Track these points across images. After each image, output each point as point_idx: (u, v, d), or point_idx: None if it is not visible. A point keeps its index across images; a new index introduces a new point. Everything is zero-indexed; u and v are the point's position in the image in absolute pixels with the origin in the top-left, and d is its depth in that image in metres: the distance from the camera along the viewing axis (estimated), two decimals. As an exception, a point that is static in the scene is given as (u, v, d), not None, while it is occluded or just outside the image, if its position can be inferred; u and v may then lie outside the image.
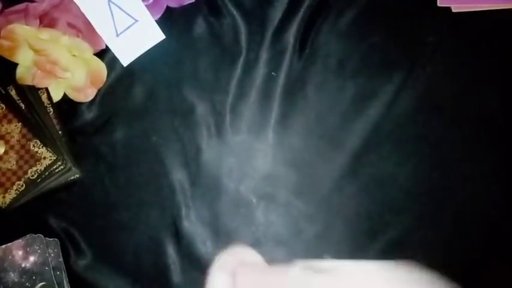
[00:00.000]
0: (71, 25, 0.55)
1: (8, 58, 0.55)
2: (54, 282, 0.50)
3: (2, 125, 0.54)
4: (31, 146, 0.53)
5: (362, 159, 0.53)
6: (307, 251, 0.51)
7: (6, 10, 0.56)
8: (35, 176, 0.53)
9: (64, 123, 0.55)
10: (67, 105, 0.56)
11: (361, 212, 0.52)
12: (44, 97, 0.55)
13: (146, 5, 0.55)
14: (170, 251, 0.53)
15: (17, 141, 0.53)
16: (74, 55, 0.55)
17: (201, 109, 0.55)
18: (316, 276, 0.32)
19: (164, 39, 0.56)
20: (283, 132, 0.55)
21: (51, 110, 0.55)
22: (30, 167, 0.53)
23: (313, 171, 0.54)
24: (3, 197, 0.52)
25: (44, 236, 0.51)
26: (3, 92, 0.55)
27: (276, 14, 0.56)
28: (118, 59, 0.56)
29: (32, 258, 0.50)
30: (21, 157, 0.53)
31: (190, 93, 0.56)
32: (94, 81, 0.56)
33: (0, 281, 0.49)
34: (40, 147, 0.53)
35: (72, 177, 0.54)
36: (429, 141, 0.54)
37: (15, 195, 0.52)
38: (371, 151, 0.53)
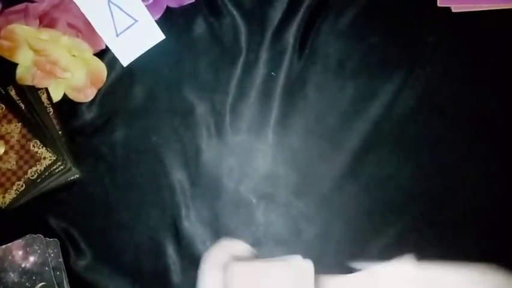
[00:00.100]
0: (71, 25, 0.55)
1: (8, 58, 0.55)
2: (54, 282, 0.50)
3: (2, 125, 0.54)
4: (31, 146, 0.53)
5: (362, 159, 0.53)
6: (307, 251, 0.51)
7: (6, 10, 0.56)
8: (35, 176, 0.53)
9: (64, 123, 0.55)
10: (66, 105, 0.56)
11: (361, 212, 0.52)
12: (44, 97, 0.55)
13: (146, 5, 0.55)
14: (170, 251, 0.53)
15: (17, 141, 0.53)
16: (74, 55, 0.55)
17: (201, 109, 0.55)
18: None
19: (164, 39, 0.56)
20: (283, 132, 0.55)
21: (51, 110, 0.55)
22: (30, 167, 0.53)
23: (313, 171, 0.54)
24: (3, 197, 0.52)
25: (44, 236, 0.51)
26: (3, 92, 0.55)
27: (276, 14, 0.56)
28: (117, 59, 0.56)
29: (32, 259, 0.50)
30: (21, 157, 0.53)
31: (190, 93, 0.56)
32: (94, 81, 0.56)
33: (0, 281, 0.49)
34: (40, 147, 0.53)
35: (72, 178, 0.54)
36: (429, 141, 0.54)
37: (15, 196, 0.52)
38: (371, 151, 0.53)
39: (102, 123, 0.56)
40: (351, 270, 0.45)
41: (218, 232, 0.53)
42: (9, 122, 0.54)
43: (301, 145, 0.54)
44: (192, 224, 0.53)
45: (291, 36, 0.56)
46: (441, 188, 0.52)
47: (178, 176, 0.54)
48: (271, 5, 0.56)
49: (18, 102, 0.55)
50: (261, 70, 0.56)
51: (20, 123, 0.54)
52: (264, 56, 0.56)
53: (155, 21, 0.56)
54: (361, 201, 0.52)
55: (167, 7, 0.57)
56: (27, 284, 0.50)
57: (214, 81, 0.56)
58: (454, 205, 0.52)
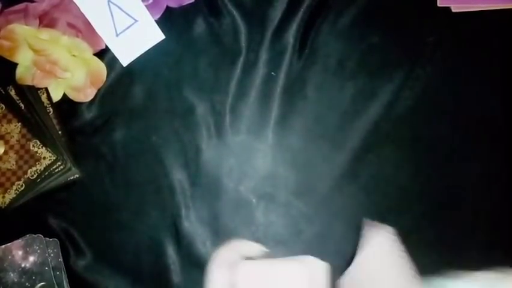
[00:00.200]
0: (70, 25, 0.55)
1: (8, 58, 0.55)
2: (54, 282, 0.50)
3: (2, 125, 0.54)
4: (31, 146, 0.53)
5: (362, 159, 0.53)
6: (307, 251, 0.51)
7: (6, 10, 0.56)
8: (35, 176, 0.53)
9: (64, 123, 0.55)
10: (66, 105, 0.56)
11: (361, 212, 0.52)
12: (43, 97, 0.55)
13: (146, 5, 0.55)
14: (170, 251, 0.53)
15: (17, 141, 0.53)
16: (73, 55, 0.55)
17: (201, 109, 0.55)
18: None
19: (164, 39, 0.56)
20: (283, 132, 0.55)
21: (51, 110, 0.55)
22: (30, 167, 0.53)
23: (313, 171, 0.54)
24: (3, 197, 0.52)
25: (44, 236, 0.51)
26: (3, 92, 0.55)
27: (276, 14, 0.56)
28: (117, 59, 0.56)
29: (31, 258, 0.50)
30: (20, 157, 0.53)
31: (190, 93, 0.56)
32: (94, 81, 0.56)
33: (0, 281, 0.49)
34: (40, 147, 0.53)
35: (72, 177, 0.54)
36: (429, 141, 0.54)
37: (14, 195, 0.52)
38: (371, 151, 0.53)
39: (102, 123, 0.56)
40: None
41: (218, 232, 0.53)
42: (9, 121, 0.54)
43: (301, 145, 0.54)
44: (192, 224, 0.53)
45: (291, 36, 0.55)
46: (441, 188, 0.52)
47: (178, 176, 0.54)
48: (271, 5, 0.56)
49: (18, 102, 0.55)
50: (260, 70, 0.55)
51: (19, 123, 0.54)
52: (264, 56, 0.56)
53: (155, 21, 0.56)
54: (361, 201, 0.52)
55: (167, 7, 0.57)
56: (27, 283, 0.50)
57: (214, 81, 0.56)
58: (454, 205, 0.52)
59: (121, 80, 0.57)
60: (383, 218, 0.52)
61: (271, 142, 0.54)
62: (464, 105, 0.54)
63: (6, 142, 0.53)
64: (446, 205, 0.52)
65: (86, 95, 0.56)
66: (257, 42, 0.56)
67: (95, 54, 0.56)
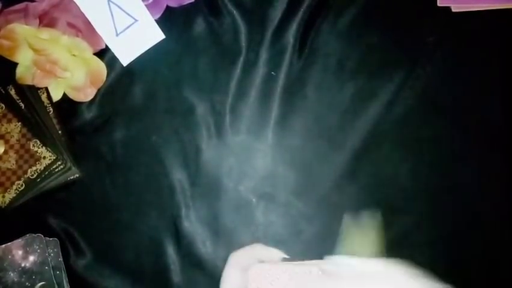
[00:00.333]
0: (70, 25, 0.55)
1: (8, 58, 0.55)
2: (54, 282, 0.50)
3: (2, 125, 0.54)
4: (31, 145, 0.53)
5: (362, 159, 0.53)
6: (307, 251, 0.51)
7: (5, 10, 0.56)
8: (35, 175, 0.53)
9: (64, 122, 0.55)
10: (66, 105, 0.56)
11: (361, 212, 0.52)
12: (43, 97, 0.55)
13: (146, 5, 0.55)
14: (170, 251, 0.53)
15: (17, 140, 0.53)
16: (73, 55, 0.55)
17: (201, 109, 0.55)
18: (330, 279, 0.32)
19: (164, 39, 0.56)
20: (282, 132, 0.55)
21: (51, 109, 0.55)
22: (30, 167, 0.53)
23: (313, 171, 0.54)
24: (3, 197, 0.52)
25: (44, 236, 0.51)
26: (3, 92, 0.55)
27: (276, 13, 0.56)
28: (117, 59, 0.56)
29: (31, 258, 0.50)
30: (20, 157, 0.53)
31: (189, 93, 0.56)
32: (94, 80, 0.56)
33: (0, 281, 0.49)
34: (40, 146, 0.53)
35: (72, 177, 0.54)
36: (429, 141, 0.54)
37: (14, 195, 0.52)
38: (371, 151, 0.53)
39: (102, 123, 0.56)
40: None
41: (218, 232, 0.53)
42: (9, 121, 0.54)
43: (301, 145, 0.54)
44: (192, 224, 0.53)
45: (291, 36, 0.55)
46: (441, 188, 0.52)
47: (178, 176, 0.54)
48: (271, 5, 0.56)
49: (18, 101, 0.55)
50: (260, 70, 0.55)
51: (19, 123, 0.54)
52: (264, 55, 0.56)
53: (155, 20, 0.56)
54: (361, 201, 0.52)
55: (167, 6, 0.57)
56: (27, 283, 0.50)
57: (214, 81, 0.56)
58: (454, 205, 0.52)
59: (121, 80, 0.57)
60: (382, 218, 0.52)
61: (271, 142, 0.54)
62: (464, 105, 0.54)
63: (6, 142, 0.53)
64: (446, 205, 0.52)
65: (86, 95, 0.56)
66: (257, 42, 0.56)
67: (95, 54, 0.56)
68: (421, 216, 0.52)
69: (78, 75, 0.55)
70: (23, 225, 0.52)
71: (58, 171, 0.53)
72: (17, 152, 0.53)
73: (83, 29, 0.55)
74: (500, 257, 0.50)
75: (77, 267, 0.53)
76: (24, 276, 0.50)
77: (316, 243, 0.52)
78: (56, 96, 0.56)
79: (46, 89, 0.56)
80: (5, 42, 0.54)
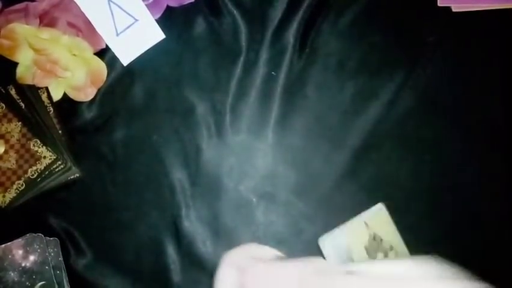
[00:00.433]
0: (71, 24, 0.55)
1: (8, 57, 0.55)
2: (54, 281, 0.50)
3: (2, 124, 0.54)
4: (31, 145, 0.53)
5: (362, 158, 0.53)
6: (308, 251, 0.51)
7: (6, 9, 0.56)
8: (35, 175, 0.53)
9: (64, 122, 0.55)
10: (67, 105, 0.56)
11: (361, 212, 0.52)
12: (44, 96, 0.55)
13: (146, 5, 0.55)
14: (170, 251, 0.53)
15: (17, 140, 0.53)
16: (74, 54, 0.55)
17: (201, 109, 0.55)
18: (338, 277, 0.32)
19: (164, 39, 0.56)
20: (283, 132, 0.55)
21: (52, 109, 0.55)
22: (30, 166, 0.53)
23: (314, 171, 0.54)
24: (3, 196, 0.52)
25: (44, 236, 0.51)
26: (3, 92, 0.55)
27: (276, 13, 0.56)
28: (118, 59, 0.56)
29: (32, 258, 0.50)
30: (21, 156, 0.53)
31: (190, 93, 0.56)
32: (94, 80, 0.56)
33: (0, 281, 0.49)
34: (40, 146, 0.53)
35: (72, 177, 0.54)
36: (429, 141, 0.54)
37: (15, 195, 0.52)
38: (371, 151, 0.53)
39: (102, 123, 0.56)
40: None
41: (218, 232, 0.53)
42: (10, 121, 0.54)
43: (301, 145, 0.54)
44: (192, 224, 0.53)
45: (291, 35, 0.56)
46: (441, 188, 0.52)
47: (178, 176, 0.54)
48: (271, 5, 0.56)
49: (18, 101, 0.55)
50: (261, 69, 0.56)
51: (20, 123, 0.54)
52: (264, 55, 0.56)
53: (156, 20, 0.56)
54: (361, 200, 0.52)
55: (168, 6, 0.57)
56: (27, 283, 0.50)
57: (214, 80, 0.56)
58: (454, 205, 0.52)
59: (122, 80, 0.57)
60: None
61: (272, 141, 0.54)
62: (464, 105, 0.54)
63: (7, 141, 0.53)
64: (446, 205, 0.52)
65: (86, 95, 0.56)
66: (257, 42, 0.56)
67: (95, 54, 0.56)
68: (421, 216, 0.52)
69: (78, 75, 0.55)
70: (24, 224, 0.52)
71: (58, 170, 0.53)
72: (17, 151, 0.53)
73: (84, 28, 0.55)
74: (500, 257, 0.50)
75: (77, 267, 0.53)
76: (24, 275, 0.50)
77: (317, 243, 0.52)
78: (57, 95, 0.56)
79: (46, 88, 0.56)
80: (6, 42, 0.54)
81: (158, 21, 0.56)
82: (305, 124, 0.55)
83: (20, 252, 0.50)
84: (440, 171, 0.53)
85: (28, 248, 0.51)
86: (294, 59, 0.56)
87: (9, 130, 0.54)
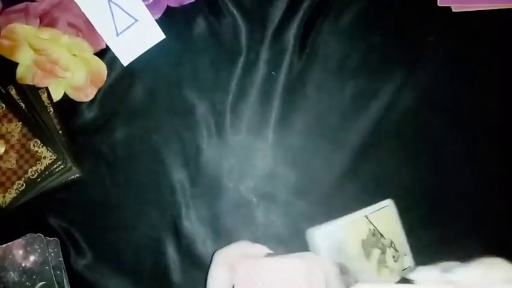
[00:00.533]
0: (71, 24, 0.55)
1: (8, 57, 0.55)
2: (55, 281, 0.50)
3: (2, 125, 0.54)
4: (31, 145, 0.53)
5: (362, 158, 0.53)
6: (308, 251, 0.51)
7: (6, 9, 0.56)
8: (35, 175, 0.53)
9: (64, 122, 0.55)
10: (67, 105, 0.56)
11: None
12: (44, 96, 0.55)
13: (146, 5, 0.55)
14: (170, 251, 0.53)
15: (17, 140, 0.53)
16: (74, 54, 0.55)
17: (201, 109, 0.55)
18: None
19: (164, 39, 0.56)
20: (283, 132, 0.55)
21: (52, 109, 0.55)
22: (31, 167, 0.53)
23: (314, 171, 0.54)
24: (4, 197, 0.52)
25: (44, 236, 0.51)
26: (4, 92, 0.55)
27: (276, 13, 0.56)
28: (118, 59, 0.56)
29: (32, 258, 0.50)
30: (21, 156, 0.53)
31: (190, 93, 0.56)
32: (94, 80, 0.56)
33: (1, 281, 0.49)
34: (40, 146, 0.53)
35: (72, 177, 0.54)
36: (429, 141, 0.54)
37: (15, 195, 0.52)
38: (371, 151, 0.53)
39: (102, 123, 0.56)
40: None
41: (218, 232, 0.53)
42: (10, 121, 0.54)
43: (302, 145, 0.54)
44: (192, 224, 0.53)
45: (291, 35, 0.56)
46: (441, 188, 0.52)
47: (178, 176, 0.54)
48: (271, 5, 0.56)
49: (18, 101, 0.55)
50: (261, 70, 0.56)
51: (20, 123, 0.54)
52: (264, 55, 0.56)
53: (156, 20, 0.56)
54: (361, 200, 0.52)
55: (168, 6, 0.57)
56: (27, 283, 0.50)
57: (214, 80, 0.56)
58: (454, 205, 0.52)
59: (122, 80, 0.57)
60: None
61: (272, 141, 0.54)
62: (464, 105, 0.54)
63: (7, 141, 0.53)
64: (446, 205, 0.52)
65: (86, 95, 0.56)
66: (257, 42, 0.56)
67: (95, 54, 0.56)
68: (421, 216, 0.52)
69: (78, 75, 0.55)
70: (24, 225, 0.52)
71: (59, 171, 0.53)
72: (17, 151, 0.53)
73: (84, 28, 0.55)
74: (500, 257, 0.50)
75: (78, 267, 0.53)
76: (24, 276, 0.50)
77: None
78: (57, 96, 0.56)
79: (47, 88, 0.56)
80: (6, 42, 0.54)
81: (158, 21, 0.56)
82: (305, 124, 0.55)
83: (20, 252, 0.50)
84: (440, 171, 0.53)
85: (28, 248, 0.51)
86: (294, 59, 0.56)
87: (9, 130, 0.54)
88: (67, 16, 0.55)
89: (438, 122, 0.54)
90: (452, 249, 0.51)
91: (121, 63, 0.56)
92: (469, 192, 0.52)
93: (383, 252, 0.47)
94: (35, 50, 0.54)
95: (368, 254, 0.46)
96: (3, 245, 0.51)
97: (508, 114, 0.53)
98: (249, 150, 0.54)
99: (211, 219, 0.53)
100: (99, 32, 0.55)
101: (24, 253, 0.50)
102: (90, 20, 0.54)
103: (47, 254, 0.51)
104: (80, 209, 0.54)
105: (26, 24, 0.54)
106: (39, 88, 0.55)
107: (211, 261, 0.44)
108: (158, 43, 0.56)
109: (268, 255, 0.41)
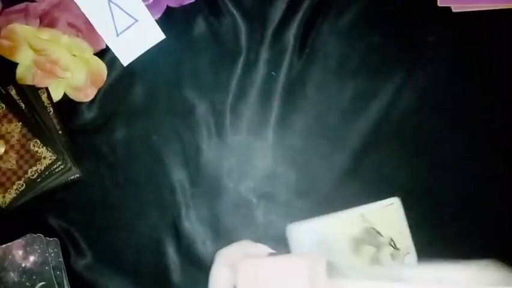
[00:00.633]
0: (71, 25, 0.55)
1: (8, 58, 0.55)
2: (54, 282, 0.50)
3: (2, 125, 0.54)
4: (31, 145, 0.53)
5: (362, 158, 0.53)
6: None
7: (6, 10, 0.56)
8: (35, 175, 0.53)
9: (64, 122, 0.55)
10: (67, 105, 0.56)
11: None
12: (44, 97, 0.55)
13: (146, 5, 0.55)
14: (170, 251, 0.53)
15: (17, 140, 0.53)
16: (74, 55, 0.55)
17: (201, 109, 0.55)
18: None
19: (164, 39, 0.56)
20: (283, 132, 0.55)
21: (52, 109, 0.55)
22: (31, 167, 0.53)
23: (314, 171, 0.54)
24: (4, 197, 0.52)
25: (44, 236, 0.51)
26: (4, 92, 0.55)
27: (276, 13, 0.56)
28: (118, 59, 0.56)
29: (32, 258, 0.50)
30: (21, 157, 0.53)
31: (190, 93, 0.56)
32: (94, 80, 0.56)
33: (0, 281, 0.49)
34: (40, 146, 0.53)
35: (72, 177, 0.54)
36: (429, 141, 0.54)
37: (15, 195, 0.52)
38: (371, 151, 0.53)
39: (102, 123, 0.56)
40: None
41: (218, 232, 0.53)
42: (10, 121, 0.54)
43: (302, 145, 0.54)
44: (192, 224, 0.53)
45: (291, 35, 0.56)
46: (441, 188, 0.52)
47: (178, 176, 0.54)
48: (271, 5, 0.56)
49: (18, 101, 0.55)
50: (261, 70, 0.56)
51: (20, 123, 0.54)
52: (264, 55, 0.56)
53: (156, 20, 0.56)
54: (361, 200, 0.52)
55: (168, 7, 0.57)
56: (27, 283, 0.50)
57: (214, 80, 0.56)
58: (454, 205, 0.52)
59: (122, 80, 0.57)
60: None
61: (272, 142, 0.54)
62: (464, 105, 0.54)
63: (7, 142, 0.53)
64: (446, 205, 0.52)
65: (86, 95, 0.56)
66: (257, 42, 0.56)
67: (95, 54, 0.56)
68: (421, 216, 0.52)
69: (78, 75, 0.55)
70: (24, 225, 0.52)
71: (58, 171, 0.53)
72: (17, 152, 0.53)
73: (84, 29, 0.55)
74: (500, 257, 0.50)
75: (77, 267, 0.53)
76: (24, 276, 0.50)
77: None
78: (57, 96, 0.56)
79: (46, 89, 0.56)
80: (6, 42, 0.54)
81: (158, 21, 0.56)
82: (305, 124, 0.55)
83: (20, 252, 0.50)
84: (440, 171, 0.53)
85: (28, 249, 0.51)
86: (294, 59, 0.56)
87: (9, 130, 0.54)
88: (66, 16, 0.55)
89: (438, 122, 0.54)
90: (452, 249, 0.51)
91: (121, 64, 0.56)
92: (469, 192, 0.52)
93: (378, 250, 0.47)
94: (35, 50, 0.54)
95: (358, 251, 0.46)
96: (3, 245, 0.51)
97: (508, 114, 0.53)
98: (249, 150, 0.54)
99: (211, 219, 0.53)
100: (99, 32, 0.55)
101: (24, 253, 0.50)
102: (90, 20, 0.54)
103: (47, 254, 0.51)
104: (80, 209, 0.54)
105: (26, 24, 0.54)
106: (39, 88, 0.55)
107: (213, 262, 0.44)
108: (158, 43, 0.56)
109: (270, 254, 0.41)
